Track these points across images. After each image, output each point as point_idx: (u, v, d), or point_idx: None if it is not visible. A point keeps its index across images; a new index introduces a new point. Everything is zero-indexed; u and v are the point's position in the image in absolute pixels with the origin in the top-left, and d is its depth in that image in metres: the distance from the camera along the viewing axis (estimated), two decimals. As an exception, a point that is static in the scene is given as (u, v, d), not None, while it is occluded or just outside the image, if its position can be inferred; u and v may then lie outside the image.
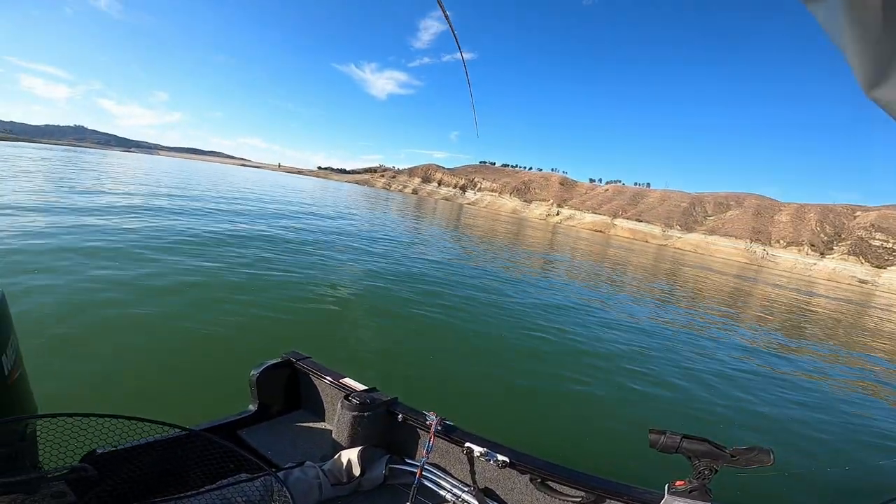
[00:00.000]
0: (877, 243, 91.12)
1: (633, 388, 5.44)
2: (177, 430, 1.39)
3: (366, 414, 1.87)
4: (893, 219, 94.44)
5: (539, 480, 1.74)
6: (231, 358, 4.22)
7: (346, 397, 1.91)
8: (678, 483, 1.49)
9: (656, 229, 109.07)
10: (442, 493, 1.81)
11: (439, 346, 5.85)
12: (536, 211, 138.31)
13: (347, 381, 2.10)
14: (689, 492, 1.45)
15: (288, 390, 2.27)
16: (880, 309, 29.02)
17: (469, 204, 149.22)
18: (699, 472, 1.42)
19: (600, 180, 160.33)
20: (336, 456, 1.81)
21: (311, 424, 2.21)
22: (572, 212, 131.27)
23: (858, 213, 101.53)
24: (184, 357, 4.20)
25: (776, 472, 3.52)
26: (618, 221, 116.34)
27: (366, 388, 2.04)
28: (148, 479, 1.45)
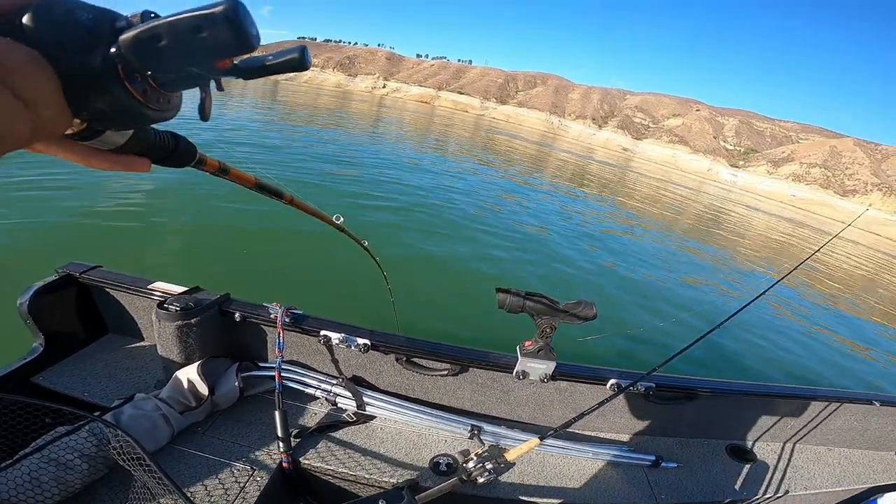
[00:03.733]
0: (637, 121, 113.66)
1: (468, 252, 5.44)
2: None
3: (193, 321, 1.54)
4: (651, 103, 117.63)
5: (404, 359, 1.69)
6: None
7: (160, 305, 1.55)
8: (527, 343, 1.58)
9: (476, 101, 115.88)
10: (310, 391, 1.67)
11: (256, 226, 4.99)
12: (362, 84, 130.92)
13: (160, 285, 1.70)
14: (538, 351, 1.54)
15: (82, 313, 1.80)
16: (636, 173, 36.57)
17: (285, 79, 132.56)
18: (542, 331, 1.49)
19: (427, 56, 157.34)
20: (172, 379, 1.52)
21: (129, 349, 1.83)
22: (399, 84, 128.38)
23: (628, 96, 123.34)
24: None
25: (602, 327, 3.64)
26: (442, 94, 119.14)
27: (185, 288, 1.69)
28: None
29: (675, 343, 3.38)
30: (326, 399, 1.67)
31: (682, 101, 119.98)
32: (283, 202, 0.80)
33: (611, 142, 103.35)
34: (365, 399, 1.67)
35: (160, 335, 1.58)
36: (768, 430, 1.98)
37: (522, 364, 1.57)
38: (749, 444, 1.98)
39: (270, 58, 0.29)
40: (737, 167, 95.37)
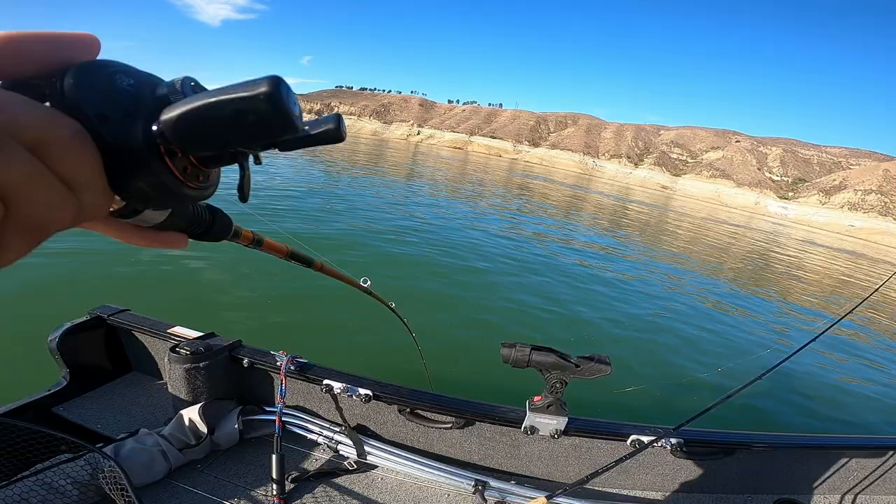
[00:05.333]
0: (675, 156, 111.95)
1: (487, 304, 5.33)
2: None
3: (201, 364, 1.64)
4: (687, 137, 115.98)
5: (408, 410, 1.70)
6: (28, 327, 3.35)
7: (173, 349, 1.66)
8: (536, 399, 1.54)
9: (508, 145, 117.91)
10: (311, 437, 1.69)
11: (278, 277, 5.18)
12: (397, 132, 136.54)
13: (178, 329, 1.82)
14: (547, 406, 1.50)
15: (109, 352, 1.95)
16: (677, 213, 35.26)
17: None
18: (552, 386, 1.45)
19: (458, 101, 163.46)
20: (176, 417, 1.60)
21: (145, 388, 1.94)
22: (432, 131, 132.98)
23: (662, 131, 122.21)
24: None
25: (617, 383, 3.46)
26: (474, 139, 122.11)
27: (201, 334, 1.80)
28: None
29: (710, 394, 3.35)
30: (328, 446, 1.68)
31: (720, 132, 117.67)
32: (313, 269, 0.83)
33: (648, 180, 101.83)
34: (367, 448, 1.66)
35: (170, 376, 1.68)
36: (824, 481, 1.85)
37: (531, 419, 1.53)
38: (803, 498, 1.84)
39: (307, 128, 0.29)
40: (786, 199, 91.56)
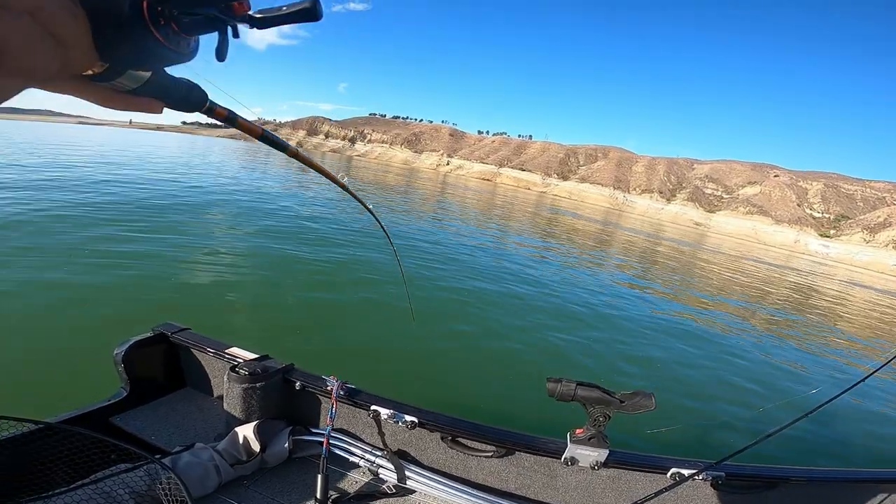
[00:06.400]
0: (709, 191, 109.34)
1: (529, 338, 5.46)
2: (29, 425, 1.30)
3: (258, 385, 1.73)
4: (722, 171, 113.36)
5: (450, 438, 1.74)
6: (98, 339, 3.60)
7: (232, 369, 1.75)
8: (578, 431, 1.57)
9: (537, 178, 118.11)
10: (354, 459, 1.75)
11: (333, 305, 5.52)
12: (427, 161, 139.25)
13: (235, 350, 1.93)
14: (589, 439, 1.53)
15: (167, 368, 2.06)
16: (711, 251, 34.29)
17: (359, 156, 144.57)
18: (595, 420, 1.49)
19: (488, 132, 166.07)
20: (231, 433, 1.67)
21: (199, 403, 2.03)
22: (462, 162, 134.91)
23: (696, 165, 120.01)
24: (35, 341, 3.57)
25: (664, 418, 3.67)
26: (503, 171, 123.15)
27: (256, 356, 1.90)
28: (6, 481, 1.29)
29: (750, 432, 3.41)
30: (369, 469, 1.73)
31: (757, 166, 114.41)
32: (287, 154, 0.79)
33: (681, 216, 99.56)
34: (407, 473, 1.70)
35: (228, 394, 1.76)
36: None
37: (572, 451, 1.56)
38: None
39: (284, 8, 0.30)
40: (828, 237, 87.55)
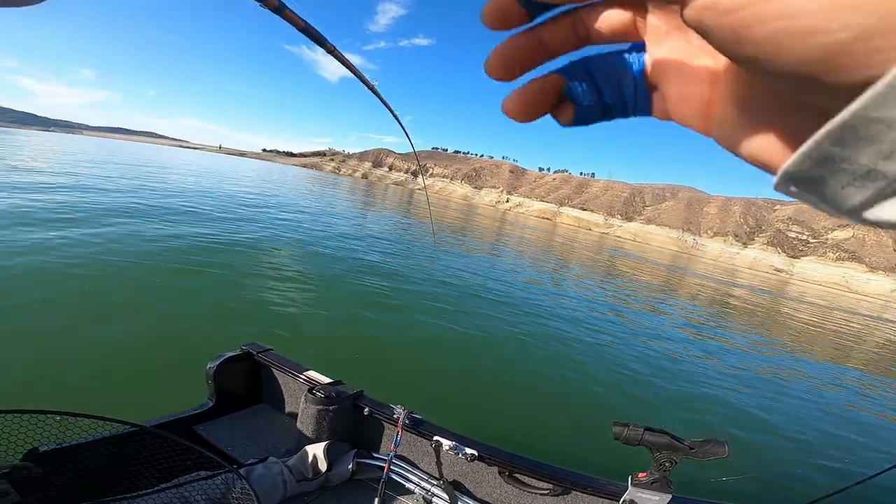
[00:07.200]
0: (793, 235, 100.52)
1: (595, 381, 5.55)
2: (126, 427, 1.34)
3: (331, 408, 1.83)
4: (808, 213, 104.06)
5: (507, 473, 1.75)
6: (188, 351, 4.04)
7: (310, 390, 1.87)
8: (640, 475, 1.54)
9: (599, 218, 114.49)
10: (410, 486, 1.78)
11: (405, 338, 5.77)
12: (487, 198, 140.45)
13: (311, 373, 2.05)
14: (651, 483, 1.50)
15: (249, 384, 2.19)
16: (794, 300, 31.40)
17: (420, 189, 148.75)
18: (660, 464, 1.46)
19: (549, 169, 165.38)
20: (301, 451, 1.76)
21: (273, 419, 2.13)
22: (521, 199, 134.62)
23: (777, 206, 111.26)
24: (135, 350, 3.97)
25: (735, 467, 3.67)
26: (563, 210, 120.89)
27: (331, 380, 2.00)
28: (97, 479, 1.36)
29: (821, 487, 3.45)
30: (423, 497, 1.76)
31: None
32: (325, 50, 0.87)
33: (759, 262, 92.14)
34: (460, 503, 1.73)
35: (302, 413, 1.89)
36: None
37: (632, 494, 1.52)
38: None
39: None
40: (935, 289, 77.34)
